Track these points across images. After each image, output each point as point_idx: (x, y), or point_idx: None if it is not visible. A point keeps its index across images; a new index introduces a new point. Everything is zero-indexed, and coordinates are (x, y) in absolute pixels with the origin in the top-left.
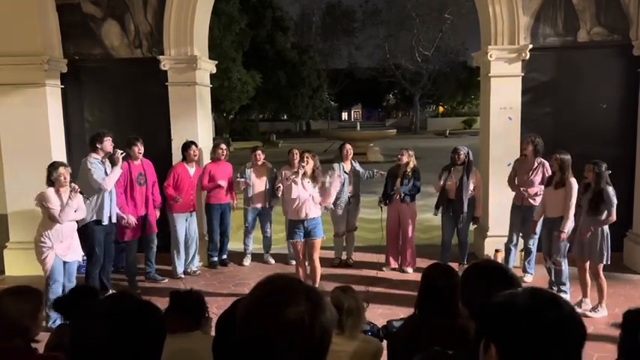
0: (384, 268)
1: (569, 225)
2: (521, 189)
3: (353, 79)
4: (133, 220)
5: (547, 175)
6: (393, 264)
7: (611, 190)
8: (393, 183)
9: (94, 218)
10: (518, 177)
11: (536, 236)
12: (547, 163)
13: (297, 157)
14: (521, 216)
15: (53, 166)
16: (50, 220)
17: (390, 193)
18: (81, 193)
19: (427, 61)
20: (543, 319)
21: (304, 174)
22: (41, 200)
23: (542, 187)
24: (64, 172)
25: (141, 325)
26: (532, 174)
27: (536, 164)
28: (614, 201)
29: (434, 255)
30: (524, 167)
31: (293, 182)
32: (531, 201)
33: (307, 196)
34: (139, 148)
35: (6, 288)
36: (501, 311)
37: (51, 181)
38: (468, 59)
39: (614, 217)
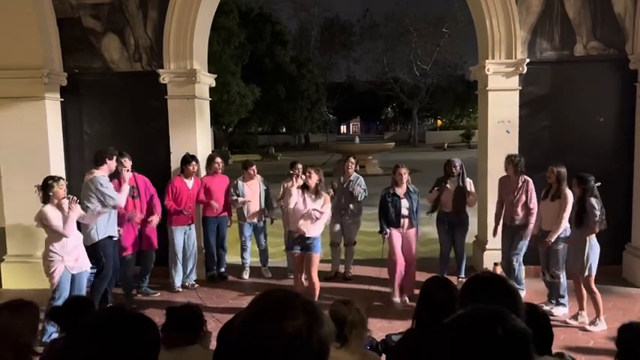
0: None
1: (559, 233)
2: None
3: (351, 92)
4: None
5: (531, 193)
6: (402, 297)
7: (594, 201)
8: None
9: (107, 235)
10: (504, 196)
11: (521, 254)
12: (531, 182)
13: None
14: (511, 235)
15: (47, 183)
16: (56, 235)
17: (392, 216)
18: (81, 203)
19: (425, 74)
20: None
21: (307, 188)
22: (41, 220)
23: (532, 205)
24: (61, 186)
25: (133, 337)
26: (517, 193)
27: (520, 183)
28: (596, 213)
29: (432, 268)
30: (509, 187)
31: (289, 192)
32: (517, 219)
33: (306, 211)
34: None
35: (3, 302)
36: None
37: (47, 197)
38: (465, 73)
39: (594, 230)
